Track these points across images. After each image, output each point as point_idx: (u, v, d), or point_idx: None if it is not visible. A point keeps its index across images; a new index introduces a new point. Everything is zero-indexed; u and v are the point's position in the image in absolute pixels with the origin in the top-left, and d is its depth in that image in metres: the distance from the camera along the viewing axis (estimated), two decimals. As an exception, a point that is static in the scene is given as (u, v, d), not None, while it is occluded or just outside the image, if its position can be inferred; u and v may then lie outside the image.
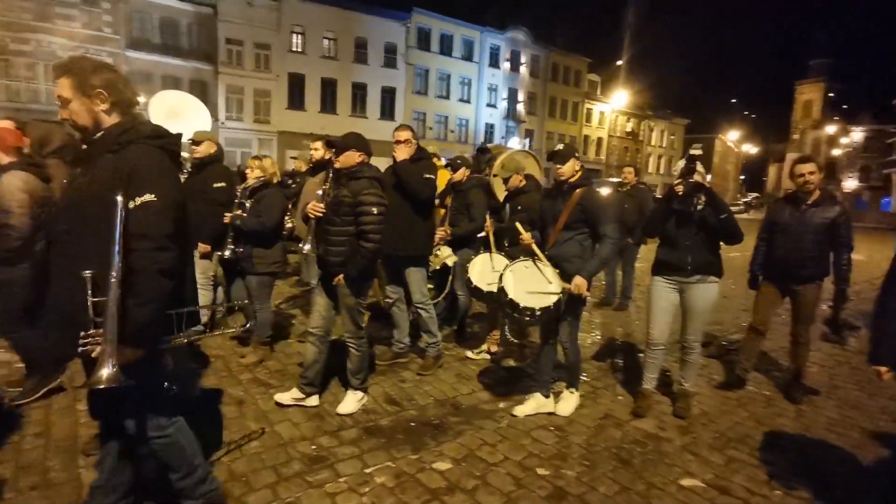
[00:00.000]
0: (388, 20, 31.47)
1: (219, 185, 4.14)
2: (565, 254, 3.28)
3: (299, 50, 29.06)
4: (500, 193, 4.49)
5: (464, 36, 35.33)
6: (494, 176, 4.47)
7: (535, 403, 3.45)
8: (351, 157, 3.18)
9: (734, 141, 62.33)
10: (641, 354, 4.35)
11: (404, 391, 3.76)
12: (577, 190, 3.28)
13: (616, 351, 5.01)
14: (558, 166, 3.33)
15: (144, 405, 1.98)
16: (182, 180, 4.26)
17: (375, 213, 3.10)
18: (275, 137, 28.44)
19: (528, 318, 3.22)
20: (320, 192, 3.37)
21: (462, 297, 4.84)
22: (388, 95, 32.42)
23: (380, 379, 3.93)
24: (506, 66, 37.67)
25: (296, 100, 29.20)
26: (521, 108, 38.98)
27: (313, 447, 2.93)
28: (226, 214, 4.05)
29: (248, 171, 4.24)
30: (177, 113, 6.15)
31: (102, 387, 1.59)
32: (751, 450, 3.15)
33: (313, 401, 3.40)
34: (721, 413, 3.65)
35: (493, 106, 37.68)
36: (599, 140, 45.92)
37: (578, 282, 3.14)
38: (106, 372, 1.59)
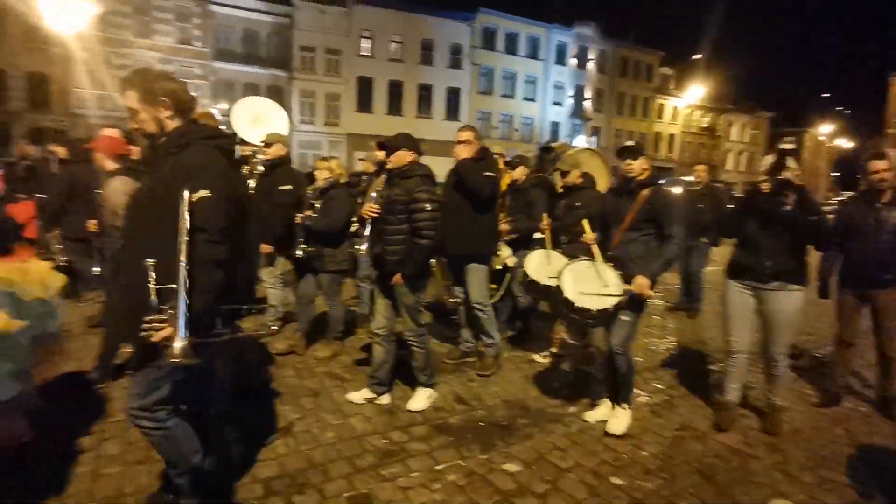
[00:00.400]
0: (454, 21, 31.71)
1: (284, 187, 4.27)
2: (630, 255, 3.13)
3: (368, 54, 29.95)
4: (559, 188, 4.47)
5: (529, 34, 34.90)
6: (555, 170, 4.40)
7: (606, 410, 3.35)
8: (402, 157, 3.23)
9: (826, 135, 57.24)
10: (721, 364, 4.11)
11: (472, 391, 3.78)
12: (646, 189, 3.13)
13: (692, 358, 4.77)
14: (629, 162, 3.17)
15: (156, 393, 1.99)
16: (254, 182, 4.52)
17: (429, 209, 3.12)
18: (344, 139, 29.48)
19: (584, 320, 3.14)
20: (374, 193, 3.44)
21: (521, 299, 4.78)
22: (453, 96, 32.67)
23: (448, 378, 3.97)
24: (572, 62, 36.82)
25: (364, 102, 30.13)
26: (587, 105, 37.97)
27: (385, 441, 3.01)
28: (297, 215, 4.17)
29: (316, 172, 4.36)
30: (259, 118, 6.53)
31: (178, 361, 1.69)
32: (845, 469, 2.89)
33: (385, 399, 3.48)
34: (813, 430, 3.37)
35: (559, 104, 36.95)
36: (671, 137, 43.78)
37: (641, 281, 2.96)
38: (179, 346, 1.68)
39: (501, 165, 5.11)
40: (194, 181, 1.86)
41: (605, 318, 3.10)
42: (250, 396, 3.48)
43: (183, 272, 1.76)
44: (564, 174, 4.21)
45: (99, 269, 4.14)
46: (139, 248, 1.90)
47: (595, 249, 3.24)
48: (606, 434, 3.18)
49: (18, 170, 6.16)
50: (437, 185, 3.42)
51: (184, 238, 1.79)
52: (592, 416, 3.35)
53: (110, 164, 3.40)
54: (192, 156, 1.94)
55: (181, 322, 1.71)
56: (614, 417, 3.24)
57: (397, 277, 3.23)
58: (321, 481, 2.59)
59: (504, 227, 4.42)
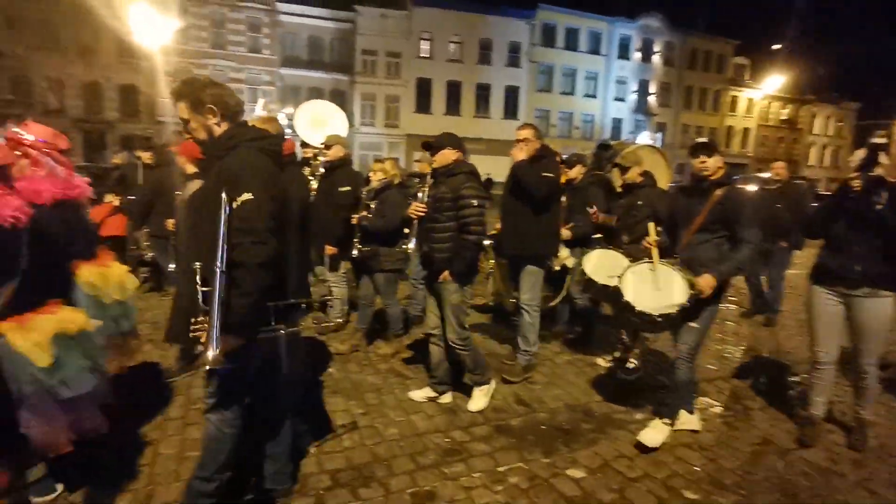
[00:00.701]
0: (513, 19, 31.43)
1: (344, 189, 4.35)
2: (700, 258, 2.96)
3: (427, 56, 30.29)
4: (618, 187, 4.32)
5: (591, 29, 33.97)
6: (614, 167, 4.24)
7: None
8: (447, 156, 3.24)
9: (926, 126, 51.51)
10: (803, 375, 3.80)
11: (533, 393, 3.73)
12: (719, 189, 2.95)
13: (771, 368, 4.46)
14: (703, 159, 2.98)
15: (221, 394, 2.06)
16: (315, 183, 4.63)
17: (476, 204, 3.11)
18: (403, 140, 29.98)
19: (645, 324, 3.01)
20: (420, 192, 3.45)
21: (579, 301, 4.64)
22: (512, 94, 32.40)
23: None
24: (636, 56, 35.45)
25: (423, 103, 30.50)
26: (652, 100, 36.42)
27: (447, 440, 3.03)
28: (353, 216, 4.25)
29: (371, 173, 4.43)
30: (319, 121, 6.77)
31: (208, 368, 1.73)
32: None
33: (446, 398, 3.50)
34: (911, 450, 3.06)
35: (622, 100, 35.70)
36: (746, 131, 41.13)
37: (707, 280, 2.80)
38: (211, 354, 1.71)
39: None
40: (237, 185, 1.89)
41: (669, 323, 2.95)
42: (317, 390, 3.62)
43: (219, 278, 1.78)
44: (624, 171, 4.05)
45: (174, 265, 4.44)
46: (191, 251, 1.97)
47: (655, 252, 3.09)
48: (695, 433, 3.09)
49: (112, 176, 6.72)
50: (492, 184, 3.39)
51: (223, 242, 1.82)
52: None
53: (190, 168, 3.63)
54: (236, 159, 1.98)
55: (214, 331, 1.74)
56: (650, 429, 3.04)
57: (445, 274, 3.21)
58: (385, 476, 2.64)
59: (565, 233, 4.32)
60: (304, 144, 5.64)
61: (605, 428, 3.24)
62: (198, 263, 1.84)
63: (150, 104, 26.32)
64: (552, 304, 4.78)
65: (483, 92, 31.82)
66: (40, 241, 2.08)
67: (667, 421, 3.06)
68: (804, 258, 5.68)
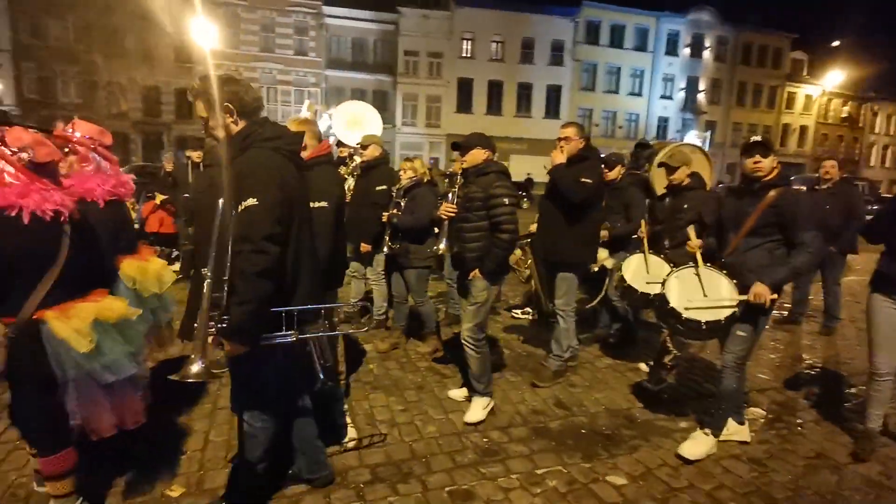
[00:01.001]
0: (556, 17, 31.00)
1: (380, 188, 4.44)
2: (749, 263, 2.80)
3: (468, 55, 30.31)
4: (660, 187, 4.09)
5: (637, 24, 33.07)
6: (660, 166, 4.03)
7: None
8: (477, 156, 3.21)
9: None
10: (861, 386, 3.57)
11: (573, 396, 3.68)
12: (773, 190, 2.78)
13: (827, 378, 4.23)
14: (758, 159, 2.80)
15: (243, 394, 2.10)
16: (352, 182, 4.73)
17: (507, 203, 3.07)
18: (444, 140, 30.08)
19: (691, 331, 2.90)
20: (450, 193, 3.41)
21: (617, 303, 4.53)
22: (554, 93, 31.98)
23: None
24: (685, 52, 34.24)
25: (464, 103, 30.53)
26: (701, 97, 35.09)
27: (485, 440, 3.04)
28: (383, 214, 4.33)
29: (401, 172, 4.49)
30: (356, 121, 6.91)
31: (189, 381, 1.73)
32: None
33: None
34: None
35: (669, 97, 34.58)
36: (803, 129, 39.02)
37: (758, 289, 2.66)
38: (193, 368, 1.72)
39: None
40: (243, 189, 1.86)
41: (716, 330, 2.84)
42: (358, 386, 3.69)
43: (208, 286, 1.79)
44: (671, 171, 3.83)
45: None
46: (201, 256, 2.02)
47: (699, 256, 2.98)
48: (744, 444, 2.98)
49: (162, 176, 7.07)
50: (533, 184, 3.32)
51: (214, 248, 1.84)
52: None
53: None
54: (246, 162, 1.95)
55: (202, 342, 1.74)
56: (691, 441, 2.93)
57: (475, 272, 3.17)
58: (423, 473, 2.67)
59: (603, 233, 4.21)
60: (340, 144, 5.78)
61: (648, 435, 3.16)
62: (206, 269, 1.84)
63: (203, 106, 27.48)
64: (589, 306, 4.70)
65: (525, 91, 31.55)
66: (88, 236, 2.15)
67: (708, 432, 2.94)
68: (863, 263, 5.36)
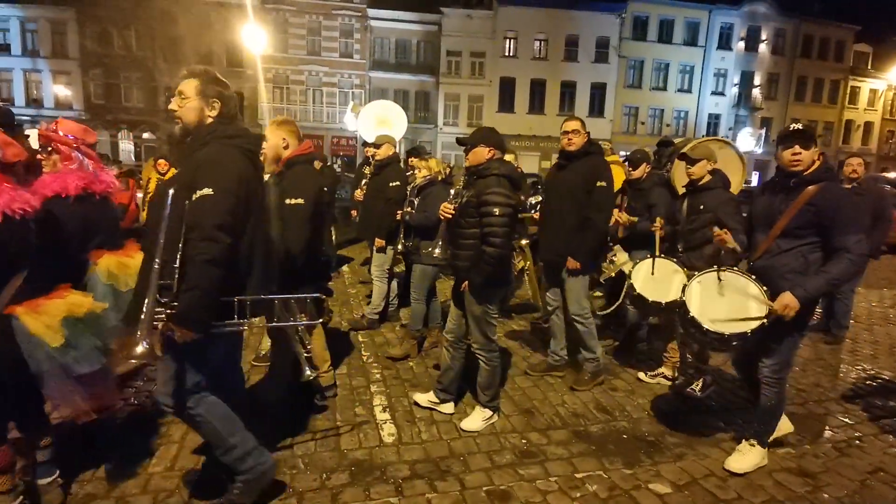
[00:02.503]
0: (601, 14, 30.28)
1: (394, 184, 4.57)
2: (781, 267, 2.53)
3: (511, 54, 30.07)
4: (681, 185, 3.80)
5: (688, 18, 31.84)
6: (680, 158, 3.70)
7: (747, 449, 2.81)
8: (480, 154, 2.95)
9: None
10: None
11: (615, 400, 3.60)
12: (812, 186, 2.49)
13: (886, 391, 3.96)
14: (797, 150, 2.50)
15: (179, 382, 2.08)
16: (365, 181, 4.82)
17: (497, 213, 2.78)
18: (485, 140, 30.01)
19: (714, 344, 2.67)
20: (452, 191, 3.25)
21: (632, 308, 4.18)
22: (598, 91, 31.27)
23: (589, 383, 3.82)
24: (739, 46, 32.70)
25: (506, 102, 30.32)
26: (757, 93, 33.42)
27: (524, 441, 3.02)
28: (398, 211, 4.42)
29: (416, 171, 4.53)
30: (384, 121, 7.01)
31: (134, 361, 1.79)
32: None
33: (447, 408, 3.30)
34: None
35: (721, 93, 33.12)
36: (867, 125, 36.54)
37: (787, 300, 2.40)
38: (137, 349, 1.74)
39: (615, 159, 4.69)
40: (199, 179, 1.91)
41: (744, 342, 2.59)
42: (397, 383, 3.75)
43: (155, 272, 1.84)
44: (692, 162, 3.41)
45: None
46: (149, 244, 2.00)
47: (732, 244, 2.69)
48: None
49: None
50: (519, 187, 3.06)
51: (161, 236, 1.86)
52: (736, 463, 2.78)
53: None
54: (206, 154, 2.00)
55: (144, 325, 1.77)
56: (738, 453, 2.77)
57: (465, 285, 3.01)
58: (462, 471, 2.69)
59: (623, 218, 4.05)
60: (365, 144, 5.93)
61: (693, 443, 3.06)
62: (157, 259, 1.87)
63: (252, 109, 28.51)
64: (604, 312, 4.48)
65: (568, 89, 30.99)
66: (55, 232, 2.25)
67: (754, 443, 2.77)
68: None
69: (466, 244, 2.96)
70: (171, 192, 1.95)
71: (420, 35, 29.83)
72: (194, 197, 1.90)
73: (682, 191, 3.72)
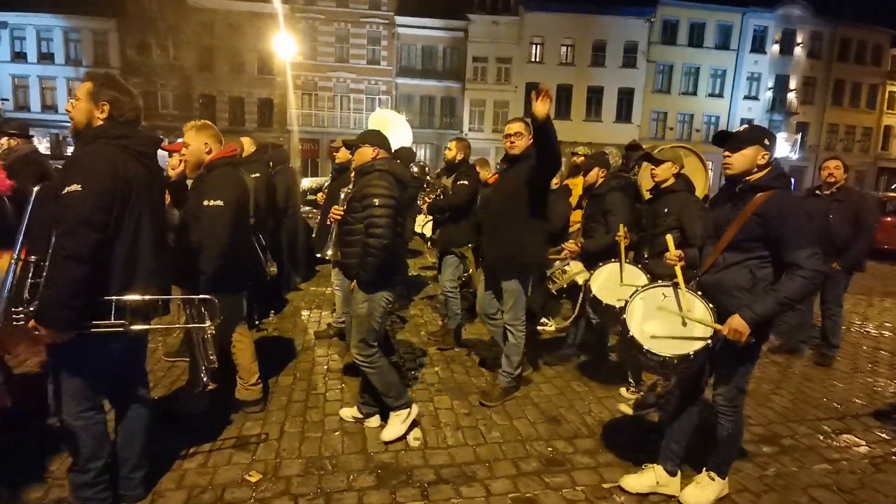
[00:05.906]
0: (630, 18, 29.99)
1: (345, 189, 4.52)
2: (726, 284, 2.31)
3: (537, 60, 30.03)
4: (647, 191, 3.68)
5: (720, 21, 31.24)
6: (644, 158, 3.56)
7: (651, 478, 2.60)
8: (364, 154, 2.99)
9: None
10: None
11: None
12: (761, 194, 2.25)
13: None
14: (725, 154, 2.31)
15: (62, 387, 2.04)
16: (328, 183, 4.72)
17: (378, 203, 2.77)
18: (510, 146, 29.97)
19: (656, 366, 2.40)
20: (342, 194, 3.21)
21: (595, 321, 3.99)
22: (625, 97, 30.94)
23: (614, 391, 3.77)
24: (773, 49, 31.89)
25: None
26: (792, 97, 32.50)
27: (549, 449, 3.01)
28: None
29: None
30: (385, 128, 7.05)
31: None
32: None
33: (373, 422, 3.18)
34: None
35: (754, 98, 32.33)
36: (910, 131, 35.14)
37: (734, 324, 2.17)
38: None
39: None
40: (70, 175, 1.90)
41: (687, 366, 2.33)
42: (424, 387, 3.77)
43: (13, 269, 1.85)
44: (657, 163, 3.31)
45: None
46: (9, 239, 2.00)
47: (679, 271, 2.48)
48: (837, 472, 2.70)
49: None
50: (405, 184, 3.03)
51: (21, 233, 1.89)
52: (630, 484, 2.61)
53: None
54: (83, 152, 2.00)
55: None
56: (695, 485, 2.54)
57: (353, 284, 2.97)
58: (487, 477, 2.69)
59: (572, 247, 3.86)
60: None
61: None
62: (33, 257, 1.88)
63: (282, 115, 29.15)
64: (560, 327, 4.32)
65: (595, 95, 30.74)
66: None
67: (713, 474, 2.53)
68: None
69: (353, 240, 2.94)
70: (35, 189, 1.99)
71: (446, 41, 30.05)
72: (63, 192, 1.89)
73: (648, 196, 3.62)
